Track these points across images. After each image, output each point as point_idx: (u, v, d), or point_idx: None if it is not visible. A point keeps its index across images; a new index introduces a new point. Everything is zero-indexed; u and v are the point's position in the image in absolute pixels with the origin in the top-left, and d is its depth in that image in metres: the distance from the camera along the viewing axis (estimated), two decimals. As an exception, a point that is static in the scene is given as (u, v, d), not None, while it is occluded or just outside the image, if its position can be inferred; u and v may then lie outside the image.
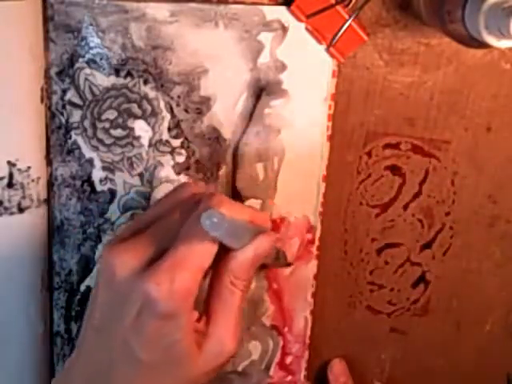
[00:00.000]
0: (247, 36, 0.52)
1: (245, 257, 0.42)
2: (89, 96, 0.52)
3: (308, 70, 0.53)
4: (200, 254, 0.41)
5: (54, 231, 0.54)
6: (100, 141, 0.53)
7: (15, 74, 0.49)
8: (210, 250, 0.41)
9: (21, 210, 0.52)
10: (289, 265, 0.56)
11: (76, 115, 0.52)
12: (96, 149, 0.53)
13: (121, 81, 0.52)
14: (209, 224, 0.38)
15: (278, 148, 0.54)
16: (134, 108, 0.53)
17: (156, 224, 0.43)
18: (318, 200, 0.56)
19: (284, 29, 0.52)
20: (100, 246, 0.55)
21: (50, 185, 0.53)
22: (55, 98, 0.52)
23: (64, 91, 0.52)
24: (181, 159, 0.54)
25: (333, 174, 0.56)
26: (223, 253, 0.42)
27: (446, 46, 0.53)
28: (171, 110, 0.53)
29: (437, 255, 0.59)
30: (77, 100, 0.52)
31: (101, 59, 0.51)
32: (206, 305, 0.44)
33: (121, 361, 0.42)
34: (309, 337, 0.59)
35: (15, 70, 0.49)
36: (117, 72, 0.52)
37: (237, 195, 0.55)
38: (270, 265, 0.54)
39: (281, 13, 0.51)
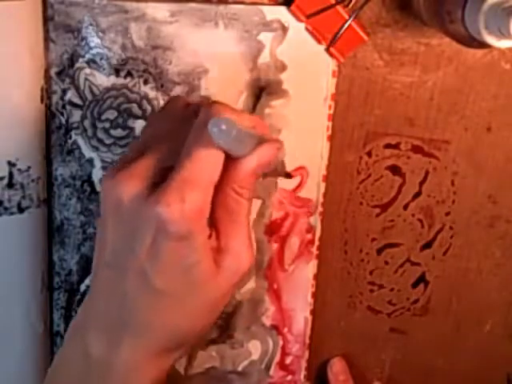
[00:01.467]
0: (247, 36, 0.52)
1: (249, 165, 0.40)
2: (89, 96, 0.52)
3: (308, 70, 0.53)
4: (208, 167, 0.38)
5: (54, 231, 0.54)
6: (100, 141, 0.53)
7: (15, 74, 0.49)
8: (218, 161, 0.39)
9: (21, 210, 0.52)
10: (288, 176, 0.53)
11: (76, 115, 0.52)
12: (96, 149, 0.53)
13: (121, 81, 0.52)
14: (217, 131, 0.35)
15: (278, 148, 0.54)
16: (134, 108, 0.53)
17: (155, 143, 0.41)
18: (318, 200, 0.56)
19: (284, 29, 0.52)
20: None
21: (50, 185, 0.53)
22: (55, 98, 0.52)
23: (64, 91, 0.52)
24: (181, 159, 0.54)
25: (333, 174, 0.56)
26: (226, 162, 0.40)
27: (446, 46, 0.53)
28: (171, 110, 0.53)
29: (437, 255, 0.59)
30: (77, 100, 0.52)
31: (101, 59, 0.51)
32: (212, 219, 0.41)
33: (137, 293, 0.40)
34: (309, 337, 0.59)
35: (15, 70, 0.49)
36: (117, 72, 0.52)
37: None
38: (268, 174, 0.51)
39: (281, 13, 0.51)
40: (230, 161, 0.40)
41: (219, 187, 0.40)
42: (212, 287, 0.40)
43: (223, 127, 0.35)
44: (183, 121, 0.41)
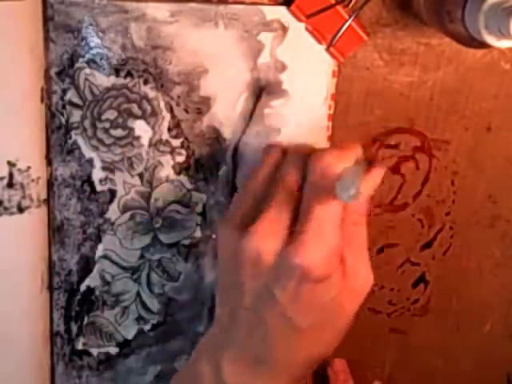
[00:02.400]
0: (247, 36, 0.52)
1: (364, 198, 0.45)
2: (89, 96, 0.52)
3: (308, 70, 0.53)
4: (334, 214, 0.42)
5: (54, 231, 0.54)
6: (100, 141, 0.53)
7: (15, 74, 0.49)
8: (340, 208, 0.43)
9: (21, 210, 0.52)
10: None
11: (76, 115, 0.52)
12: (96, 149, 0.53)
13: (121, 81, 0.52)
14: (346, 197, 0.39)
15: (278, 148, 0.54)
16: (134, 108, 0.53)
17: (272, 194, 0.44)
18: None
19: (284, 29, 0.52)
20: (100, 246, 0.55)
21: (50, 185, 0.53)
22: (55, 98, 0.52)
23: (64, 91, 0.52)
24: (181, 159, 0.54)
25: (333, 174, 0.56)
26: None
27: (446, 46, 0.53)
28: (171, 110, 0.53)
29: (437, 255, 0.59)
30: (77, 100, 0.52)
31: (101, 59, 0.51)
32: None
33: (278, 333, 0.43)
34: (309, 337, 0.59)
35: (15, 70, 0.49)
36: (117, 72, 0.51)
37: (237, 195, 0.55)
38: None
39: (281, 13, 0.51)
40: None
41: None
42: (345, 314, 0.44)
43: (352, 192, 0.39)
44: (290, 170, 0.45)
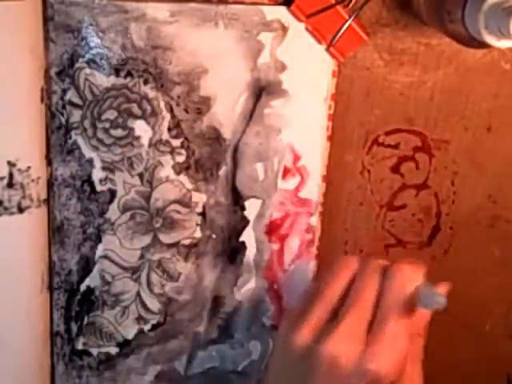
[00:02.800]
0: (247, 36, 0.52)
1: (429, 313, 0.49)
2: (89, 96, 0.52)
3: (308, 69, 0.53)
4: (405, 330, 0.46)
5: (54, 231, 0.54)
6: (100, 141, 0.53)
7: (15, 74, 0.49)
8: (412, 317, 0.46)
9: (21, 210, 0.52)
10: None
11: (76, 115, 0.52)
12: (96, 149, 0.53)
13: (121, 81, 0.52)
14: (429, 305, 0.45)
15: (278, 148, 0.54)
16: (134, 108, 0.53)
17: (350, 308, 0.47)
18: (318, 200, 0.56)
19: (284, 29, 0.52)
20: (100, 246, 0.55)
21: (50, 185, 0.53)
22: (55, 98, 0.52)
23: (64, 91, 0.52)
24: (181, 159, 0.54)
25: (333, 174, 0.56)
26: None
27: (446, 46, 0.53)
28: (171, 110, 0.53)
29: (437, 255, 0.59)
30: (77, 100, 0.52)
31: (101, 59, 0.51)
32: None
33: None
34: (309, 337, 0.59)
35: (15, 70, 0.49)
36: (117, 72, 0.51)
37: (237, 195, 0.55)
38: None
39: (281, 13, 0.51)
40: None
41: None
42: None
43: (434, 304, 0.45)
44: (368, 282, 0.47)
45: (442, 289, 0.48)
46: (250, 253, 0.57)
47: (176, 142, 0.53)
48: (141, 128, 0.53)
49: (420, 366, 0.50)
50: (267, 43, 0.52)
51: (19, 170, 0.51)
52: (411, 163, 0.56)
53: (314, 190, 0.56)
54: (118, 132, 0.53)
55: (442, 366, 0.62)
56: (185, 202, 0.55)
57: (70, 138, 0.53)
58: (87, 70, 0.51)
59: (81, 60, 0.51)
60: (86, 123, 0.52)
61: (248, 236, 0.56)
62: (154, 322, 0.57)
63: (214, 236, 0.56)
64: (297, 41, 0.52)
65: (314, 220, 0.56)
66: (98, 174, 0.54)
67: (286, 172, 0.55)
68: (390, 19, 0.53)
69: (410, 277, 0.47)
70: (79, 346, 0.57)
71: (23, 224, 0.52)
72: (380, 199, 0.57)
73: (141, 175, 0.54)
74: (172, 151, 0.54)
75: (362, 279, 0.48)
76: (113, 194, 0.54)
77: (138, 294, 0.56)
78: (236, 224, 0.56)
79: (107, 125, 0.53)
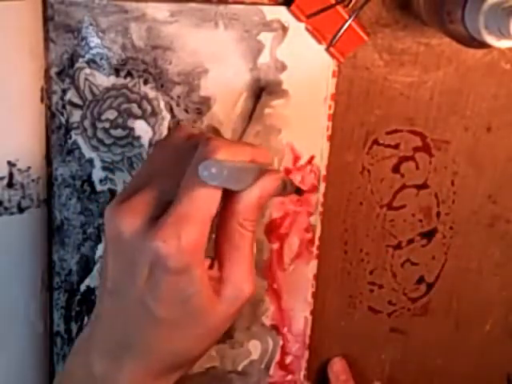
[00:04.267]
0: (247, 36, 0.52)
1: (251, 198, 0.41)
2: (89, 96, 0.52)
3: (308, 69, 0.53)
4: (204, 204, 0.39)
5: (54, 231, 0.54)
6: (100, 141, 0.53)
7: (15, 74, 0.49)
8: (214, 197, 0.40)
9: (21, 210, 0.52)
10: (299, 192, 0.51)
11: (76, 115, 0.52)
12: (96, 149, 0.53)
13: (121, 81, 0.52)
14: (207, 175, 0.36)
15: (278, 148, 0.54)
16: (134, 108, 0.53)
17: (157, 175, 0.42)
18: (318, 200, 0.56)
19: (284, 29, 0.52)
20: (100, 246, 0.55)
21: (50, 185, 0.53)
22: (55, 98, 0.52)
23: (64, 91, 0.52)
24: (181, 159, 0.54)
25: (333, 174, 0.56)
26: (228, 195, 0.41)
27: (446, 46, 0.53)
28: (171, 110, 0.53)
29: (437, 255, 0.59)
30: (77, 100, 0.52)
31: (101, 59, 0.51)
32: (216, 249, 0.43)
33: (138, 320, 0.41)
34: (309, 337, 0.59)
35: (15, 69, 0.49)
36: (117, 72, 0.52)
37: (237, 195, 0.55)
38: (278, 195, 0.52)
39: (281, 13, 0.51)
40: (233, 193, 0.41)
41: (224, 218, 0.42)
42: (211, 316, 0.42)
43: (213, 171, 0.36)
44: (185, 154, 0.42)
45: (271, 178, 0.41)
46: (250, 253, 0.57)
47: (176, 142, 0.53)
48: (141, 128, 0.53)
49: (245, 264, 0.42)
50: (267, 43, 0.52)
51: (19, 170, 0.51)
52: (411, 163, 0.56)
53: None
54: (118, 132, 0.53)
55: (441, 366, 0.62)
56: (185, 202, 0.55)
57: (70, 137, 0.53)
58: (87, 70, 0.51)
59: (81, 60, 0.51)
60: (86, 123, 0.52)
61: (248, 236, 0.56)
62: (153, 321, 0.57)
63: (214, 236, 0.56)
64: (297, 41, 0.52)
65: (314, 220, 0.56)
66: (98, 174, 0.54)
67: (287, 172, 0.55)
68: (390, 19, 0.53)
69: (223, 149, 0.39)
70: (79, 346, 0.57)
71: (23, 224, 0.52)
72: (380, 199, 0.57)
73: (141, 175, 0.54)
74: (172, 151, 0.54)
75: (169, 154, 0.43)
76: (113, 194, 0.54)
77: (138, 293, 0.56)
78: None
79: (107, 125, 0.53)
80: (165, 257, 0.39)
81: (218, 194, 0.40)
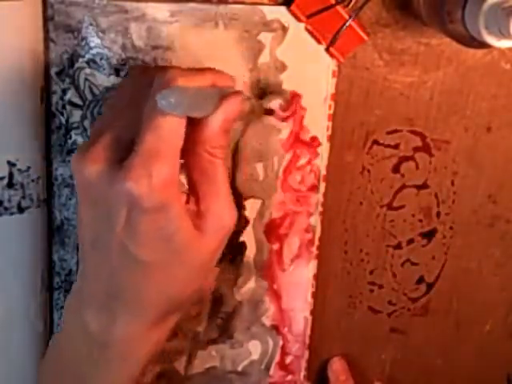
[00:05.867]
0: (247, 36, 0.52)
1: (215, 124, 0.39)
2: (89, 96, 0.52)
3: (308, 70, 0.53)
4: (168, 136, 0.37)
5: (54, 231, 0.54)
6: (100, 141, 0.53)
7: (15, 74, 0.49)
8: (178, 128, 0.38)
9: (21, 209, 0.52)
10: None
11: (76, 115, 0.52)
12: (96, 149, 0.53)
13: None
14: (166, 104, 0.35)
15: (278, 148, 0.54)
16: (134, 108, 0.52)
17: (115, 120, 0.40)
18: (318, 200, 0.56)
19: (284, 29, 0.52)
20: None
21: (50, 185, 0.53)
22: (55, 98, 0.52)
23: (64, 91, 0.52)
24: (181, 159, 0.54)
25: (333, 174, 0.56)
26: (192, 124, 0.39)
27: (446, 46, 0.53)
28: (171, 110, 0.53)
29: (437, 255, 0.59)
30: (77, 100, 0.52)
31: (101, 59, 0.51)
32: (189, 183, 0.42)
33: (123, 268, 0.40)
34: (309, 337, 0.59)
35: (15, 70, 0.49)
36: (117, 72, 0.51)
37: (237, 195, 0.55)
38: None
39: (281, 13, 0.51)
40: (197, 121, 0.39)
41: (192, 150, 0.40)
42: (196, 251, 0.40)
43: (172, 100, 0.35)
44: (142, 90, 0.40)
45: (232, 101, 0.40)
46: (250, 253, 0.57)
47: (176, 142, 0.53)
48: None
49: (222, 192, 0.41)
50: (267, 43, 0.52)
51: (19, 170, 0.51)
52: (411, 163, 0.56)
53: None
54: (118, 132, 0.53)
55: (441, 366, 0.62)
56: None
57: (70, 137, 0.53)
58: (87, 70, 0.51)
59: (81, 60, 0.51)
60: (86, 123, 0.52)
61: (248, 236, 0.56)
62: (153, 321, 0.57)
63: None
64: (297, 41, 0.52)
65: (314, 220, 0.56)
66: (97, 174, 0.54)
67: (287, 172, 0.55)
68: (390, 19, 0.53)
69: (182, 76, 0.38)
70: (79, 346, 0.57)
71: (23, 224, 0.52)
72: (380, 199, 0.57)
73: (141, 175, 0.54)
74: (172, 151, 0.54)
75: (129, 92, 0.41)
76: (113, 193, 0.54)
77: (138, 293, 0.56)
78: (236, 224, 0.56)
79: (107, 125, 0.53)
80: (139, 197, 0.37)
81: (182, 124, 0.38)
